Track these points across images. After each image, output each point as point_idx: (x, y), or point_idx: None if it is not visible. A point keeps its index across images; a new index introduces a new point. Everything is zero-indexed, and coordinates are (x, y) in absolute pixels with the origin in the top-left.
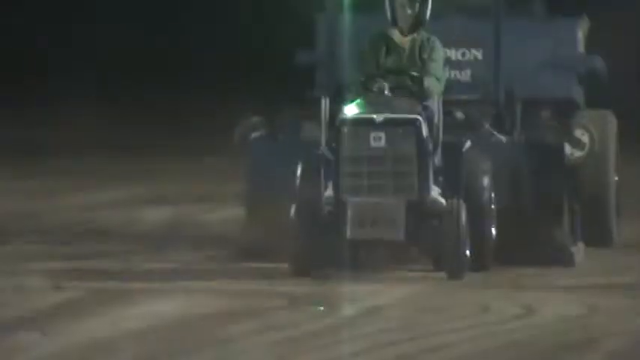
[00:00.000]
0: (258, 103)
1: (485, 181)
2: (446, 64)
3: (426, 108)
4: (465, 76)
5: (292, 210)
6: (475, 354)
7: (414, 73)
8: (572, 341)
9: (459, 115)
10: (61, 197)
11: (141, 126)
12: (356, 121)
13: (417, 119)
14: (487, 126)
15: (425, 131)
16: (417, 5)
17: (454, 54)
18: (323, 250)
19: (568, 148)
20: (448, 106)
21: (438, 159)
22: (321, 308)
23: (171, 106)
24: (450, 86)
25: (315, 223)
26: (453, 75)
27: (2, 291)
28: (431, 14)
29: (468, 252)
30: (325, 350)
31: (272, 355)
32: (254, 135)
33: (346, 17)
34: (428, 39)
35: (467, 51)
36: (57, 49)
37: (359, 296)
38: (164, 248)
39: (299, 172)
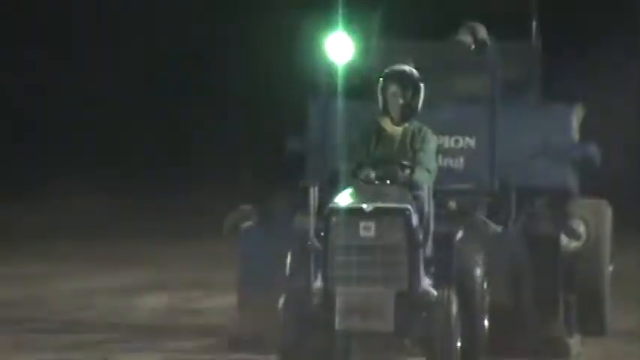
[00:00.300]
0: (250, 190)
1: (478, 272)
2: (438, 153)
3: (416, 198)
4: (459, 164)
5: (280, 303)
6: None
7: (405, 163)
8: None
9: (452, 204)
10: (59, 282)
11: (139, 211)
12: (345, 211)
13: (407, 209)
14: (481, 216)
15: (415, 221)
16: (409, 95)
17: (447, 141)
18: (312, 343)
19: (564, 239)
20: (441, 196)
21: (429, 249)
22: None
23: (166, 190)
24: (442, 176)
25: (303, 315)
26: (446, 163)
27: None
28: (424, 101)
29: (459, 344)
30: None
31: None
32: (244, 225)
33: (339, 103)
34: (420, 129)
35: (460, 138)
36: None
37: None
38: (156, 337)
39: (288, 263)
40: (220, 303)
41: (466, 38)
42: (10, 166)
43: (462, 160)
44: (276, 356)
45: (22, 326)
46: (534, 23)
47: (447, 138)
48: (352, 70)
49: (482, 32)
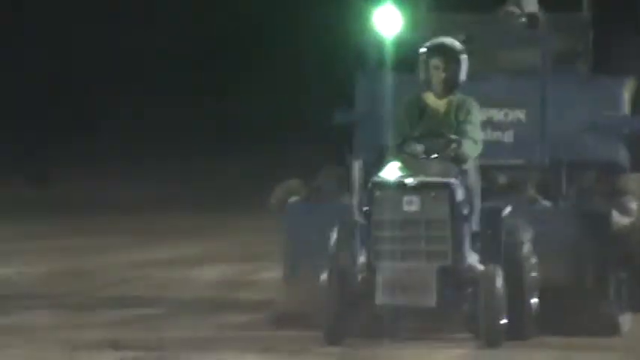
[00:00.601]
0: (299, 164)
1: (526, 248)
2: (484, 125)
3: (462, 172)
4: (508, 137)
5: (324, 278)
6: None
7: (450, 136)
8: None
9: (502, 179)
10: (118, 255)
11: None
12: (388, 185)
13: (451, 183)
14: (531, 191)
15: (460, 195)
16: (451, 68)
17: (496, 114)
18: (356, 319)
19: (616, 215)
20: (491, 170)
21: (475, 224)
22: None
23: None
24: (492, 149)
25: (347, 290)
26: (495, 137)
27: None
28: (472, 74)
29: (504, 320)
30: None
31: None
32: (291, 200)
33: (387, 76)
34: (464, 101)
35: (509, 112)
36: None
37: None
38: (208, 311)
39: (333, 238)
40: (274, 276)
41: (515, 10)
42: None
43: (511, 133)
44: (322, 332)
45: (70, 299)
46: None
47: (496, 111)
48: (401, 43)
49: (532, 3)
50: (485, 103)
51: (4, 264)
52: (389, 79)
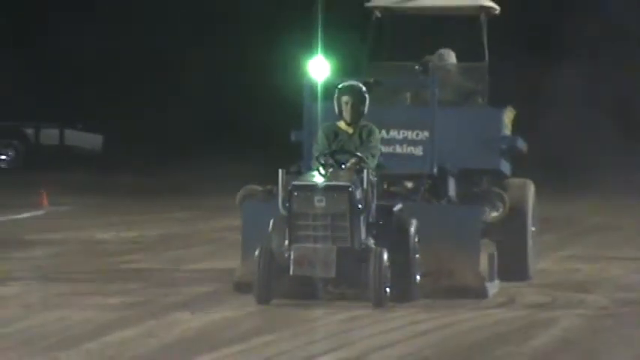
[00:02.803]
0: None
1: (412, 235)
2: (400, 142)
3: (360, 178)
4: (418, 151)
5: (256, 253)
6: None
7: (357, 153)
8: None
9: (408, 184)
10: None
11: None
12: (303, 187)
13: (350, 186)
14: (425, 194)
15: (356, 195)
16: (357, 103)
17: (410, 134)
18: (278, 286)
19: (486, 210)
20: (393, 178)
21: (371, 216)
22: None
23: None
24: (405, 159)
25: (272, 264)
26: (409, 150)
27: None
28: (391, 105)
29: (388, 288)
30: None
31: None
32: (249, 199)
33: (317, 109)
34: (366, 126)
35: (420, 132)
36: None
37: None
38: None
39: (270, 226)
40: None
41: (437, 60)
42: None
43: (420, 148)
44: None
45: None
46: (486, 50)
47: (410, 132)
48: (331, 85)
49: (450, 56)
50: (402, 125)
51: (131, 229)
52: (317, 111)
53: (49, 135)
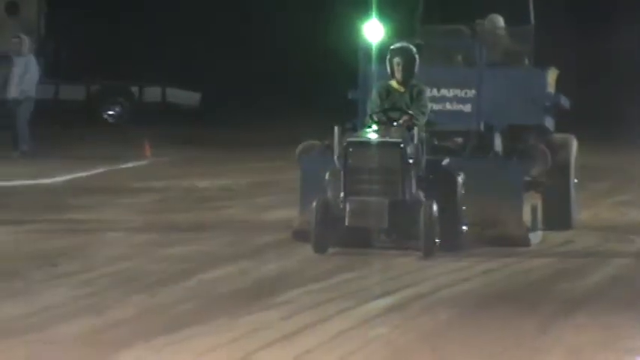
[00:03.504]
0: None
1: (458, 186)
2: (450, 100)
3: (411, 134)
4: (467, 108)
5: (313, 205)
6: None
7: (408, 111)
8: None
9: (458, 139)
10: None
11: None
12: (358, 143)
13: (401, 142)
14: (470, 149)
15: (407, 151)
16: (407, 63)
17: (459, 92)
18: (334, 235)
19: (530, 164)
20: (442, 134)
21: (421, 171)
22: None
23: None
24: (454, 116)
25: (328, 215)
26: (458, 108)
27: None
28: (445, 65)
29: (438, 239)
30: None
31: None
32: (308, 154)
33: (372, 70)
34: (417, 85)
35: (468, 90)
36: None
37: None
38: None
39: (326, 179)
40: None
41: (488, 24)
42: None
43: (469, 105)
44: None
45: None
46: (531, 13)
47: (459, 90)
48: (385, 47)
49: (499, 20)
50: (451, 84)
51: (223, 179)
52: (373, 72)
53: (152, 93)
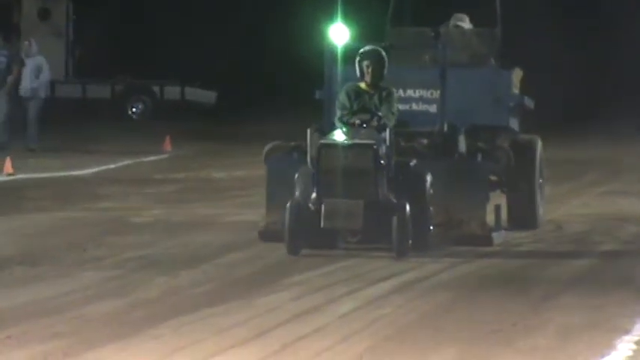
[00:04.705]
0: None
1: (427, 187)
2: (416, 100)
3: (383, 136)
4: (433, 109)
5: (287, 206)
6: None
7: (377, 113)
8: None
9: (423, 141)
10: None
11: None
12: (332, 145)
13: (374, 144)
14: (436, 149)
15: (379, 152)
16: (377, 66)
17: (425, 93)
18: (306, 236)
19: (490, 164)
20: (410, 135)
21: (391, 172)
22: None
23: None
24: (420, 117)
25: (302, 215)
26: (424, 108)
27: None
28: (411, 66)
29: (410, 239)
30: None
31: None
32: (274, 154)
33: (339, 69)
34: (385, 88)
35: (434, 91)
36: None
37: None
38: None
39: (295, 180)
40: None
41: (456, 24)
42: None
43: (434, 106)
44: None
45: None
46: (498, 15)
47: (425, 91)
48: (351, 49)
49: (465, 21)
50: (417, 85)
51: (238, 170)
52: (338, 73)
53: (172, 91)
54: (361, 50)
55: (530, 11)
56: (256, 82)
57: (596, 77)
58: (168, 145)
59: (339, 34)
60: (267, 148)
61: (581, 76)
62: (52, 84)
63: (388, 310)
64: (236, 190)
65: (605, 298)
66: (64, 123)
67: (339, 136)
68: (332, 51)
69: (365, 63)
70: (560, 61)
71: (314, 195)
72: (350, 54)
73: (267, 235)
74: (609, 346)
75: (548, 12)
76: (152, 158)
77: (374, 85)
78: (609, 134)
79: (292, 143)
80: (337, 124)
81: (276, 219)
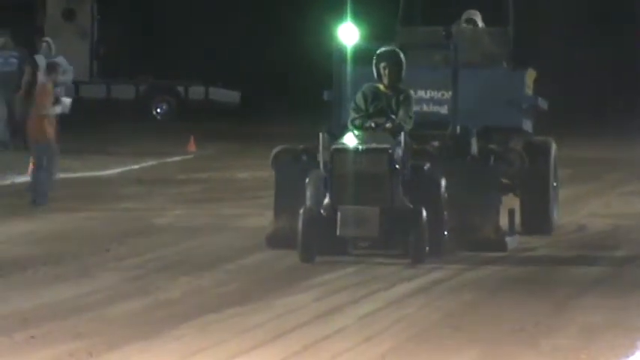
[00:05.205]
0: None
1: (441, 191)
2: (427, 101)
3: (398, 140)
4: (444, 110)
5: (300, 212)
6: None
7: (392, 116)
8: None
9: (435, 143)
10: None
11: None
12: (345, 150)
13: (389, 148)
14: (449, 152)
15: (394, 157)
16: (394, 68)
17: (436, 94)
18: (320, 244)
19: (505, 166)
20: (422, 137)
21: (407, 176)
22: None
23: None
24: (431, 117)
25: (315, 223)
26: (435, 109)
27: None
28: (422, 66)
29: (427, 246)
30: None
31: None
32: (283, 158)
33: (348, 72)
34: (403, 90)
35: (445, 92)
36: None
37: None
38: None
39: (306, 184)
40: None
41: (466, 23)
42: None
43: (446, 107)
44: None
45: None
46: (510, 13)
47: (435, 92)
48: (363, 49)
49: (477, 15)
50: (428, 85)
51: (261, 171)
52: (350, 74)
53: (196, 91)
54: (378, 51)
55: (542, 10)
56: (281, 82)
57: (612, 77)
58: (192, 146)
59: (348, 34)
60: (274, 151)
61: (598, 75)
62: (76, 84)
63: (410, 311)
64: (259, 191)
65: (627, 299)
66: (89, 124)
67: (351, 140)
68: (341, 52)
69: (382, 65)
70: (575, 60)
71: (327, 201)
72: (360, 54)
73: (275, 240)
74: (631, 346)
75: (561, 11)
76: (176, 159)
77: (391, 86)
78: (627, 135)
79: (301, 146)
80: (350, 127)
81: (284, 224)
